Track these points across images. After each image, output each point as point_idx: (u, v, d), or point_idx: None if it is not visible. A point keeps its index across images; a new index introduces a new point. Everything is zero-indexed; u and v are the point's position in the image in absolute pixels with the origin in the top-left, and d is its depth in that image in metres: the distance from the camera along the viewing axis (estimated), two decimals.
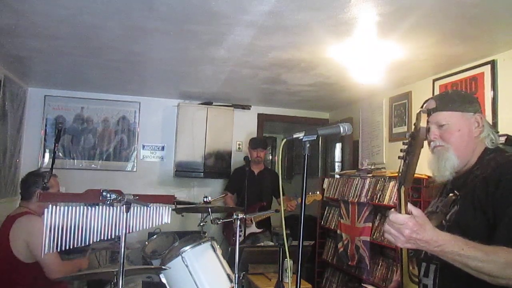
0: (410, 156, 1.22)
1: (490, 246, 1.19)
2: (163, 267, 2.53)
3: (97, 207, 2.00)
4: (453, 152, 1.44)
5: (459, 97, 1.49)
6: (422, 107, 1.56)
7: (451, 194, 1.45)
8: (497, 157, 1.41)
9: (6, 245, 2.53)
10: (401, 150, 1.30)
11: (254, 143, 4.66)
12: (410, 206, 1.22)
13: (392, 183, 3.59)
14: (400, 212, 1.21)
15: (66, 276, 2.46)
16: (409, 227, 1.16)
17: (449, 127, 1.45)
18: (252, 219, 4.34)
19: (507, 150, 1.48)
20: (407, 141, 1.28)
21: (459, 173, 1.48)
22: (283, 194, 4.35)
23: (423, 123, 1.18)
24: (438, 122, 1.47)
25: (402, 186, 1.24)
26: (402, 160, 1.29)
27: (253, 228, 4.35)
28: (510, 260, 1.16)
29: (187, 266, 2.53)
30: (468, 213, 1.35)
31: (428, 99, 1.55)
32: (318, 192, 4.34)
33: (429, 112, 1.48)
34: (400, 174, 1.28)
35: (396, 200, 1.28)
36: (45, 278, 2.54)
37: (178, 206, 3.04)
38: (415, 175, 3.56)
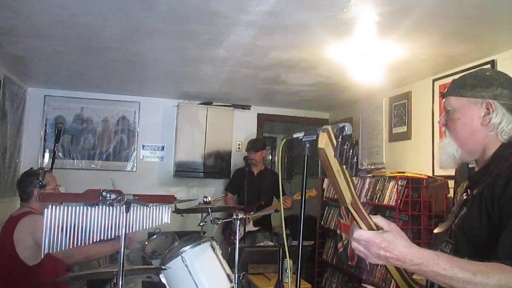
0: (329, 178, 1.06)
1: (482, 264, 1.04)
2: (163, 267, 2.52)
3: (97, 207, 2.01)
4: (451, 141, 1.31)
5: (473, 81, 1.30)
6: None
7: (464, 194, 1.31)
8: None
9: (10, 246, 2.51)
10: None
11: (247, 146, 4.68)
12: (381, 221, 1.08)
13: (392, 183, 3.58)
14: (360, 228, 1.07)
15: (68, 276, 2.46)
16: (375, 245, 1.04)
17: (453, 114, 1.31)
18: (250, 217, 4.35)
19: None
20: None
21: (478, 167, 1.31)
22: (284, 194, 4.35)
23: (320, 144, 1.00)
24: (445, 107, 1.35)
25: (347, 206, 1.07)
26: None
27: (250, 227, 4.36)
28: (505, 283, 1.01)
29: (186, 266, 2.53)
30: (474, 217, 1.20)
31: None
32: (313, 189, 4.32)
33: (442, 96, 1.38)
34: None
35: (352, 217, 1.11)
36: (47, 279, 2.54)
37: (178, 208, 3.03)
38: (415, 175, 3.55)
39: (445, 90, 1.36)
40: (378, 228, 1.08)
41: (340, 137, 1.04)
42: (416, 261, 1.04)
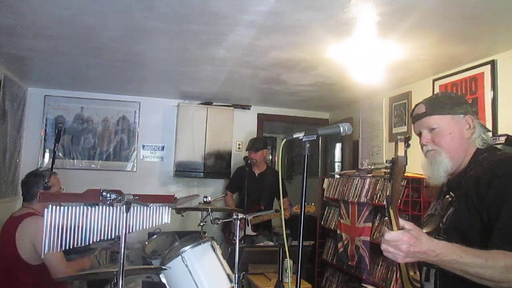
0: (393, 181, 1.25)
1: (488, 251, 1.19)
2: (163, 267, 2.53)
3: (97, 207, 2.00)
4: (445, 155, 1.45)
5: (449, 100, 1.50)
6: (413, 111, 1.57)
7: (447, 196, 1.45)
8: (490, 157, 1.41)
9: (12, 246, 2.52)
10: (384, 173, 1.34)
11: (247, 145, 4.61)
12: (402, 221, 1.22)
13: None
14: (392, 230, 1.21)
15: (68, 276, 2.46)
16: (405, 242, 1.17)
17: (440, 130, 1.46)
18: (249, 221, 4.29)
19: (507, 149, 1.48)
20: (389, 165, 1.30)
21: (454, 174, 1.48)
22: (285, 196, 4.33)
23: (400, 152, 1.20)
24: (429, 126, 1.48)
25: (390, 207, 1.24)
26: (388, 182, 1.30)
27: (248, 231, 4.30)
28: (510, 264, 1.16)
29: (187, 266, 2.53)
30: (463, 214, 1.35)
31: (418, 104, 1.55)
32: (312, 204, 4.21)
33: (419, 117, 1.51)
34: (387, 196, 1.29)
35: (386, 219, 1.28)
36: (48, 279, 2.54)
37: (179, 207, 3.03)
38: (415, 175, 3.55)
39: (424, 111, 1.50)
40: (402, 228, 1.21)
41: (406, 145, 1.25)
42: (437, 251, 1.18)
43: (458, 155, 1.46)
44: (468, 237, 1.29)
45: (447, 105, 1.47)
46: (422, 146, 1.52)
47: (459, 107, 1.47)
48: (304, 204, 1.41)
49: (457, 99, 1.52)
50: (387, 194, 1.28)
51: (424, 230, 1.45)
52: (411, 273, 1.38)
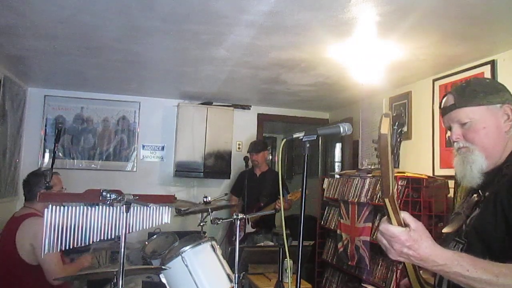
0: (380, 166, 1.05)
1: (505, 265, 1.03)
2: (163, 267, 2.53)
3: (97, 207, 2.00)
4: (479, 153, 1.25)
5: (482, 88, 1.27)
6: (440, 103, 1.37)
7: (474, 195, 1.29)
8: None
9: (12, 246, 2.52)
10: (376, 156, 1.14)
11: (248, 147, 4.68)
12: (408, 218, 1.07)
13: None
14: (390, 223, 1.06)
15: (67, 277, 2.46)
16: (400, 242, 1.03)
17: (473, 124, 1.25)
18: (248, 219, 4.33)
19: None
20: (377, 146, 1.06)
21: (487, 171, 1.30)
22: (287, 193, 4.34)
23: (383, 129, 0.99)
24: (459, 120, 1.27)
25: (385, 198, 1.05)
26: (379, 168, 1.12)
27: (248, 228, 4.34)
28: None
29: (187, 266, 2.53)
30: (488, 218, 1.18)
31: (446, 94, 1.34)
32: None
33: (448, 110, 1.31)
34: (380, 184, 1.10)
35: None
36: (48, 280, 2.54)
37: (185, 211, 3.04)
38: (415, 175, 3.54)
39: (453, 103, 1.29)
40: (405, 224, 1.06)
41: (397, 124, 1.01)
42: (439, 262, 1.04)
43: (494, 152, 1.25)
44: (490, 244, 1.15)
45: (479, 94, 1.25)
46: (452, 142, 1.33)
47: (494, 95, 1.25)
48: (305, 204, 1.41)
49: (492, 86, 1.30)
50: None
51: (446, 230, 1.34)
52: (426, 276, 1.27)
